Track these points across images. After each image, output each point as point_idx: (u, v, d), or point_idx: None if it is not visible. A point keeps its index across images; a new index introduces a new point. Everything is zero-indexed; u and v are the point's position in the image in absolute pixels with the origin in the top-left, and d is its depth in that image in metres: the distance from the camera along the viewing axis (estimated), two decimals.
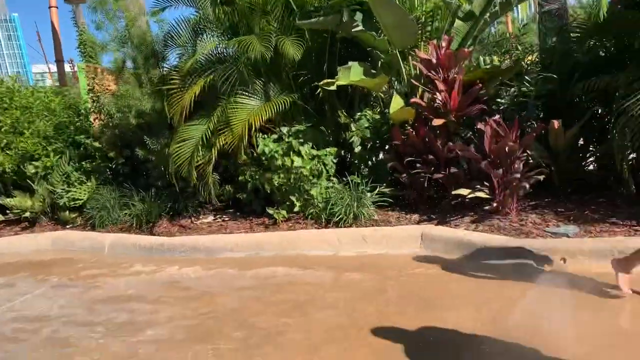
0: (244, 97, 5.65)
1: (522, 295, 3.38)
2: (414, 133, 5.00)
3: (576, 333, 2.81)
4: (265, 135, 5.45)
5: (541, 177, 4.55)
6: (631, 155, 4.62)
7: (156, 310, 3.72)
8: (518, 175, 4.46)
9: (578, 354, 2.55)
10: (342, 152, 5.77)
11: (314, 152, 5.29)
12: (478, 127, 4.68)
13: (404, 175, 5.08)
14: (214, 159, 5.49)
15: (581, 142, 5.15)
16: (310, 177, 5.19)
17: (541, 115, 5.18)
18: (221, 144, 5.44)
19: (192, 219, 5.97)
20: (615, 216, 4.34)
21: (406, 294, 3.61)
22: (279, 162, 5.15)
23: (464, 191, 4.68)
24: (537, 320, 3.01)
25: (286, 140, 5.28)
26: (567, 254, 3.80)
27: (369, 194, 5.11)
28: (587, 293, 3.27)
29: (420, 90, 5.31)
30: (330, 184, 5.32)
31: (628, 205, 4.52)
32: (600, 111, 5.19)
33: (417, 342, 2.89)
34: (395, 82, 6.08)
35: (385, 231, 4.78)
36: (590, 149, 5.27)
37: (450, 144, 4.84)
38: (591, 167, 5.36)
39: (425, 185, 5.12)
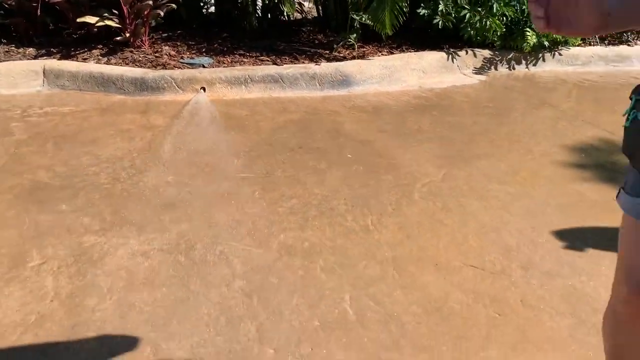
0: None
1: (171, 123, 3.31)
2: None
3: (227, 146, 2.96)
4: None
5: (174, 6, 4.36)
6: None
7: None
8: (151, 2, 4.15)
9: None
10: None
11: None
12: None
13: None
14: None
15: None
16: None
17: None
18: None
19: None
20: (242, 48, 4.59)
21: (40, 133, 3.08)
22: None
23: (90, 19, 4.11)
24: (194, 144, 3.03)
25: None
26: (206, 83, 3.87)
27: None
28: (230, 119, 3.46)
29: None
30: None
31: (251, 39, 4.82)
32: None
33: (66, 179, 2.54)
34: None
35: None
36: None
37: None
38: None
39: (39, 12, 4.28)
